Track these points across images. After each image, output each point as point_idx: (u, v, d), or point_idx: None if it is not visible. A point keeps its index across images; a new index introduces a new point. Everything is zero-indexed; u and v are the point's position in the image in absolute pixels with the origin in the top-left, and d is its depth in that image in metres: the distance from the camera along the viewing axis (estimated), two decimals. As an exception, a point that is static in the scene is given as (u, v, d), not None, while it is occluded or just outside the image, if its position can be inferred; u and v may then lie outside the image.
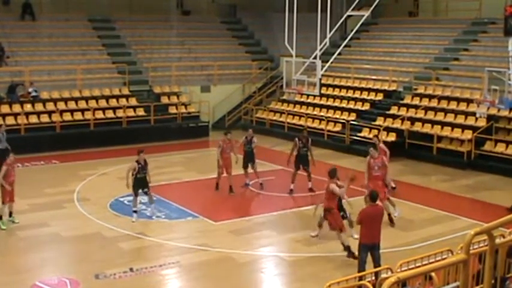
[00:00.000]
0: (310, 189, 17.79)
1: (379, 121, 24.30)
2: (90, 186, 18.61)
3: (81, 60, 27.30)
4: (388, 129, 23.43)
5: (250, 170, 18.33)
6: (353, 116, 25.55)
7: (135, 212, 15.30)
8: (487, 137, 21.29)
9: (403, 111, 24.31)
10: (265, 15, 33.65)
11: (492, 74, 19.56)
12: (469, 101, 22.75)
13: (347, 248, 12.43)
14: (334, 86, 28.04)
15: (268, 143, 25.52)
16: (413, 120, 23.57)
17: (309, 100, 27.75)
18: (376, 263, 11.04)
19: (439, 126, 22.74)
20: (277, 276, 12.59)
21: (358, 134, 24.05)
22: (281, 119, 27.57)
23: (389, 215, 14.72)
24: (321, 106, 27.20)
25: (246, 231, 14.76)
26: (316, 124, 26.02)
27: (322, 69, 20.81)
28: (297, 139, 17.85)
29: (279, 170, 20.41)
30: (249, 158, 18.29)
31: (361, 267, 10.95)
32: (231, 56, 31.28)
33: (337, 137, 24.79)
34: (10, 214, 14.90)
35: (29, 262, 12.78)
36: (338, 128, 25.12)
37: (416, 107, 24.17)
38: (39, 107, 24.57)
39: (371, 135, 23.47)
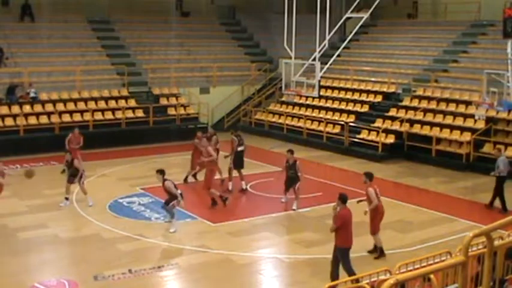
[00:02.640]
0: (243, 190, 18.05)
1: (378, 123, 24.30)
2: (89, 188, 18.53)
3: (80, 61, 27.30)
4: (387, 131, 23.43)
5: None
6: (352, 118, 25.56)
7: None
8: (485, 139, 21.30)
9: (402, 113, 24.33)
10: (265, 17, 33.68)
11: (491, 76, 19.60)
12: (467, 103, 22.78)
13: (379, 249, 12.83)
14: (333, 88, 28.06)
15: (267, 144, 25.54)
16: (412, 122, 23.59)
17: (307, 102, 27.77)
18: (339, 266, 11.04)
19: (438, 128, 22.75)
20: (276, 277, 12.59)
21: (357, 136, 24.06)
22: (280, 121, 27.58)
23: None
24: (320, 108, 27.22)
25: (244, 233, 14.76)
26: (315, 126, 26.03)
27: (321, 71, 20.84)
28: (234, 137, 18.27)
29: (277, 171, 20.40)
30: None
31: (351, 271, 10.88)
32: (230, 57, 31.30)
33: (336, 138, 24.80)
34: None
35: (28, 263, 12.77)
36: (337, 129, 25.13)
37: (415, 109, 24.19)
38: (38, 108, 24.56)
39: (370, 137, 23.55)
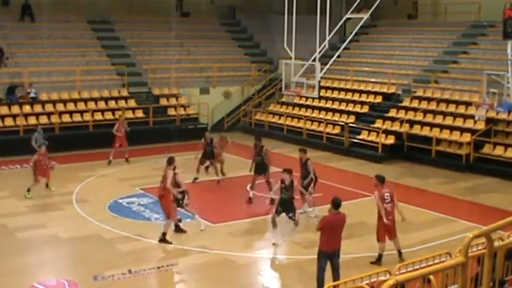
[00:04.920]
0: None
1: (378, 124, 24.30)
2: (88, 188, 18.60)
3: (80, 61, 27.29)
4: (387, 132, 23.43)
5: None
6: (352, 119, 25.56)
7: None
8: (485, 140, 21.31)
9: (402, 114, 24.34)
10: (265, 17, 33.69)
11: (491, 77, 19.61)
12: (467, 104, 22.78)
13: (378, 255, 12.70)
14: (333, 89, 28.07)
15: (267, 145, 25.46)
16: (412, 123, 23.59)
17: (307, 102, 27.78)
18: (335, 271, 10.91)
19: (438, 129, 22.75)
20: (276, 278, 12.59)
21: (357, 137, 24.06)
22: (280, 121, 27.58)
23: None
24: (320, 108, 27.22)
25: (244, 233, 14.76)
26: (315, 126, 26.04)
27: (321, 71, 20.79)
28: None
29: (277, 172, 20.35)
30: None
31: (320, 275, 10.82)
32: (230, 58, 31.30)
33: (336, 139, 24.80)
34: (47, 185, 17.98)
35: (27, 263, 12.76)
36: (337, 130, 25.13)
37: (415, 109, 24.19)
38: (38, 108, 24.56)
39: (370, 138, 23.54)
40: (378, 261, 12.65)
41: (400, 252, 12.76)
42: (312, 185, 15.92)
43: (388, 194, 12.70)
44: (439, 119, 23.31)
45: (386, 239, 12.69)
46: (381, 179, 12.80)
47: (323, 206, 15.83)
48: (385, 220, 12.47)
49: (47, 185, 17.97)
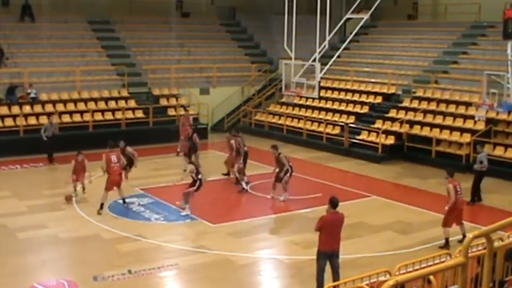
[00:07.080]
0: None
1: (378, 124, 24.30)
2: (88, 188, 18.57)
3: (80, 61, 27.29)
4: (387, 132, 23.43)
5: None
6: (352, 119, 25.56)
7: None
8: (485, 140, 21.28)
9: (401, 114, 24.35)
10: (265, 18, 33.68)
11: (491, 78, 19.64)
12: (467, 104, 22.79)
13: (445, 240, 13.53)
14: (333, 89, 28.07)
15: (267, 145, 25.48)
16: (412, 123, 23.60)
17: (307, 103, 27.78)
18: (335, 271, 10.89)
19: (438, 129, 22.76)
20: (276, 278, 12.59)
21: (357, 137, 24.06)
22: (280, 122, 27.58)
23: None
24: (320, 109, 27.22)
25: (244, 234, 14.75)
26: (315, 127, 26.03)
27: (321, 72, 20.79)
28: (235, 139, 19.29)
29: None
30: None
31: (319, 276, 10.82)
32: (230, 58, 31.29)
33: (336, 139, 24.80)
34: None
35: (27, 264, 12.76)
36: (337, 130, 25.13)
37: (415, 110, 24.20)
38: (38, 108, 24.55)
39: (370, 138, 23.54)
40: (446, 245, 13.32)
41: (464, 236, 13.35)
42: (288, 174, 17.38)
43: (459, 186, 13.76)
44: (439, 120, 23.31)
45: (452, 225, 13.63)
46: (450, 173, 13.77)
47: (322, 206, 15.89)
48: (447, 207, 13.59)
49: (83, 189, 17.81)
